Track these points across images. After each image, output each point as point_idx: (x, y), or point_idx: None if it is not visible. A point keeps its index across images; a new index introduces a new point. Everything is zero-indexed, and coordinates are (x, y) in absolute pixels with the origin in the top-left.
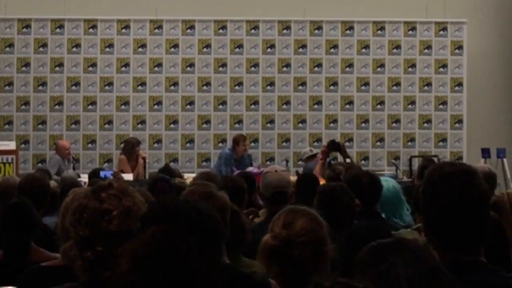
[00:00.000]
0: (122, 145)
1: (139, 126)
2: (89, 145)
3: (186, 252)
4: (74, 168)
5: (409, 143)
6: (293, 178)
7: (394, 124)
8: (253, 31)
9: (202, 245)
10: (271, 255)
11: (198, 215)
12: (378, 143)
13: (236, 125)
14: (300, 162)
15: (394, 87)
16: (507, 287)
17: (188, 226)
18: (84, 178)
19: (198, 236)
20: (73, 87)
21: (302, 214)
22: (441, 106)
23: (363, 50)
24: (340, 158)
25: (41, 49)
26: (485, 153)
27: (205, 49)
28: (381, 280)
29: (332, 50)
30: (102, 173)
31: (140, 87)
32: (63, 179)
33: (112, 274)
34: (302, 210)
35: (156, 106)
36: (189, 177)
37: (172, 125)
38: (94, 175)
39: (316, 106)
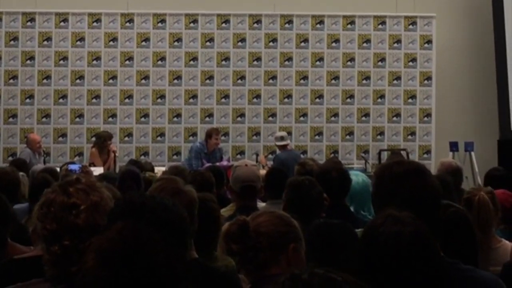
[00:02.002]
0: (93, 139)
1: (110, 119)
2: (60, 138)
3: (151, 248)
4: (44, 162)
5: (378, 137)
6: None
7: (363, 118)
8: (224, 25)
9: (168, 241)
10: (228, 237)
11: (164, 211)
12: (348, 137)
13: (207, 119)
14: (270, 156)
15: (364, 81)
16: (464, 279)
17: (154, 222)
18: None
19: (164, 232)
20: (44, 81)
21: (270, 213)
22: (410, 100)
23: (334, 44)
24: (310, 151)
25: (12, 42)
26: (453, 146)
27: (176, 43)
28: None
29: (302, 44)
30: (70, 167)
31: (111, 81)
32: (33, 173)
33: (79, 270)
34: (274, 212)
35: (127, 100)
36: (159, 170)
37: (142, 119)
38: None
39: (286, 100)
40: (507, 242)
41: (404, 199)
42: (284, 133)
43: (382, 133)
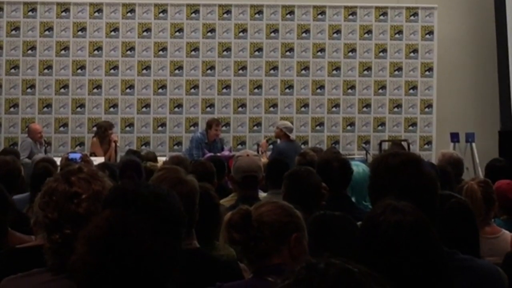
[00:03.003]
0: (94, 129)
1: (111, 109)
2: (61, 128)
3: (137, 235)
4: (46, 152)
5: (379, 128)
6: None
7: (364, 109)
8: (225, 15)
9: (158, 229)
10: (230, 226)
11: (156, 200)
12: (349, 128)
13: (208, 109)
14: (270, 146)
15: (365, 72)
16: (463, 268)
17: (146, 211)
18: (56, 161)
19: (155, 221)
20: (45, 71)
21: (273, 203)
22: (411, 91)
23: (335, 35)
24: (312, 142)
25: (13, 32)
26: (454, 137)
27: (177, 33)
28: None
29: (304, 34)
30: (70, 156)
31: (112, 71)
32: (35, 162)
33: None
34: (276, 202)
35: (128, 90)
36: (160, 160)
37: (144, 109)
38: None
39: (287, 90)
40: (507, 232)
41: (400, 189)
42: (292, 126)
43: (383, 124)
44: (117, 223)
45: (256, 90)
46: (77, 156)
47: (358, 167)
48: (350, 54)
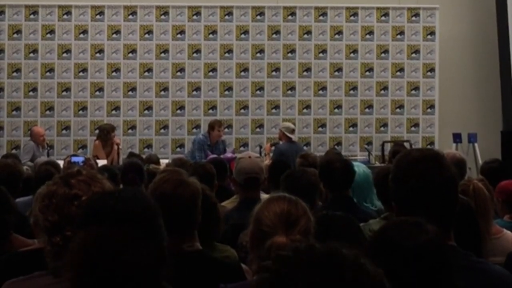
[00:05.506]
0: (97, 131)
1: (113, 112)
2: (64, 131)
3: (113, 249)
4: (48, 155)
5: (382, 129)
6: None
7: (367, 110)
8: (226, 17)
9: (136, 234)
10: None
11: (126, 205)
12: (351, 129)
13: (210, 111)
14: (273, 148)
15: (367, 73)
16: (476, 270)
17: (120, 220)
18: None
19: (129, 225)
20: (47, 73)
21: (302, 212)
22: (413, 92)
23: (336, 36)
24: (314, 143)
25: (15, 35)
26: (457, 138)
27: (179, 35)
28: None
29: (305, 36)
30: (73, 159)
31: (114, 73)
32: (37, 165)
33: None
34: (300, 205)
35: (130, 92)
36: (163, 163)
37: (146, 111)
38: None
39: (289, 91)
40: (508, 232)
41: (420, 182)
42: (294, 127)
43: (385, 125)
44: (91, 244)
45: (258, 92)
46: (80, 159)
47: (359, 168)
48: (351, 55)
